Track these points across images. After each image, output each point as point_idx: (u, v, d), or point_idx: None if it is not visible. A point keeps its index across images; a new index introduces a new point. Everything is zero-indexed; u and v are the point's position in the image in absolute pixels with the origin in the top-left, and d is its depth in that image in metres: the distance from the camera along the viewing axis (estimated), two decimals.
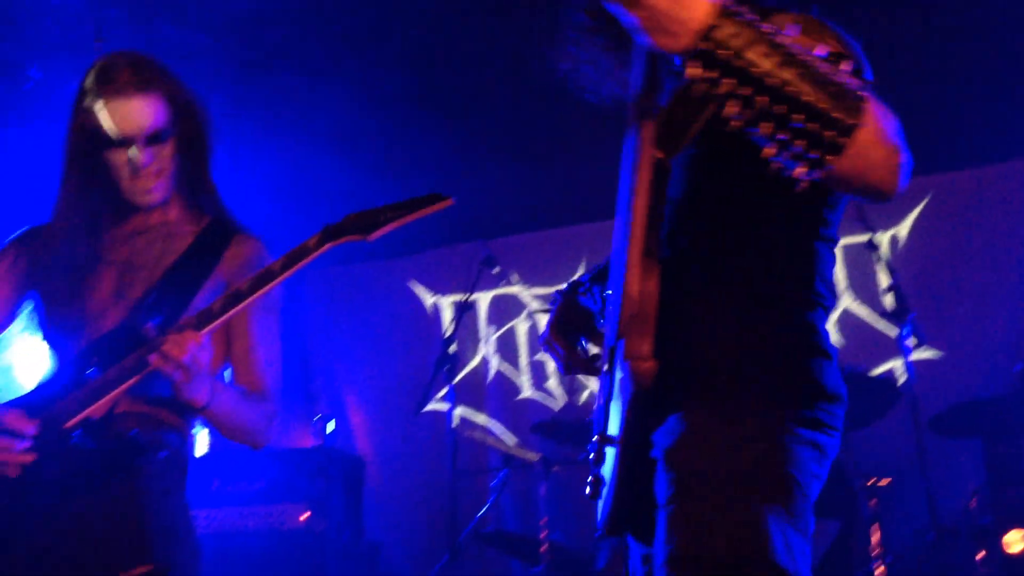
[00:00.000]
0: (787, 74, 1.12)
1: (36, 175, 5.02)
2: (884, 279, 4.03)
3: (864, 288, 5.45)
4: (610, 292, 1.68)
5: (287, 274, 1.92)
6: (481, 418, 6.21)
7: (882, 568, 3.69)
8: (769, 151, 1.16)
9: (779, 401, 1.53)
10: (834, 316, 5.50)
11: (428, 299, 6.53)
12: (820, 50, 1.17)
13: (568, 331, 1.87)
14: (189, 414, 2.13)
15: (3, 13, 4.00)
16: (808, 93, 1.12)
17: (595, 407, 1.82)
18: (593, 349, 1.84)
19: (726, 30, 1.13)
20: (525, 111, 4.96)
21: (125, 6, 3.99)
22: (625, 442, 1.59)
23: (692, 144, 1.50)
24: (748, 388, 1.54)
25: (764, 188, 1.52)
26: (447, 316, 6.40)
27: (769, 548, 1.40)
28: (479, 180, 5.63)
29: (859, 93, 1.14)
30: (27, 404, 1.96)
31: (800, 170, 1.14)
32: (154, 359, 1.83)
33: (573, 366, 1.87)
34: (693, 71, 1.13)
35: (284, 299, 2.25)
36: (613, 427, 1.63)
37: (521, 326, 6.26)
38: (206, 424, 2.12)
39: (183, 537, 2.00)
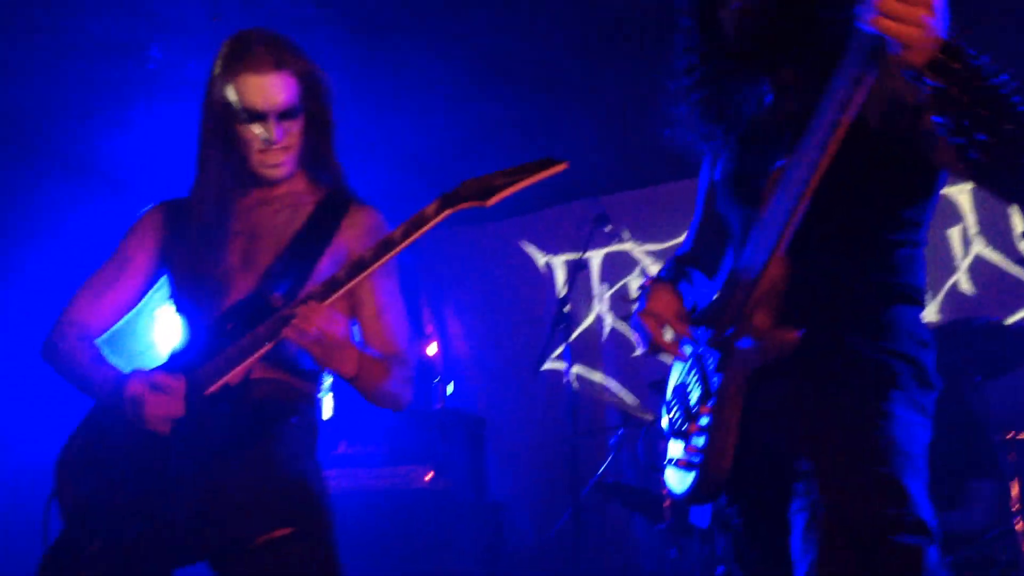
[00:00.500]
0: (994, 85, 1.37)
1: (160, 153, 5.24)
2: (1019, 223, 3.83)
3: (997, 233, 5.19)
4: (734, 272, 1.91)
5: (408, 242, 1.96)
6: (597, 376, 6.21)
7: (1021, 524, 3.55)
8: (965, 156, 1.42)
9: (899, 384, 1.74)
10: (965, 263, 5.27)
11: (540, 259, 6.53)
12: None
13: (659, 314, 1.93)
14: (316, 379, 2.20)
15: None
16: (1014, 101, 1.38)
17: (677, 384, 2.03)
18: (668, 334, 1.92)
19: (952, 49, 1.41)
20: (635, 66, 4.87)
21: None
22: (737, 413, 1.79)
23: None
24: (872, 369, 1.74)
25: (880, 191, 1.80)
26: (560, 275, 6.40)
27: (915, 504, 1.60)
28: (589, 137, 5.58)
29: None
30: (167, 372, 2.04)
31: (1000, 174, 1.43)
32: (289, 333, 1.91)
33: (659, 347, 1.94)
34: (930, 79, 1.40)
35: (401, 264, 2.29)
36: (706, 401, 1.86)
37: (634, 283, 6.22)
38: (333, 387, 2.17)
39: (319, 499, 2.05)
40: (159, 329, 4.62)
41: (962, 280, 5.28)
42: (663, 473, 2.04)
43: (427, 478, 4.23)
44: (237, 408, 2.02)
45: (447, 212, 1.97)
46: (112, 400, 2.01)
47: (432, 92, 5.07)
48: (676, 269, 2.12)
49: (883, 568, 1.54)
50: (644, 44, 4.44)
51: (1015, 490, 3.62)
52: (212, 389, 1.98)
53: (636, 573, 5.52)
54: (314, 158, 2.26)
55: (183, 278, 2.18)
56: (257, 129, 2.13)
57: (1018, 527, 3.55)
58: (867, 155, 1.75)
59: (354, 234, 2.21)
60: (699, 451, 1.84)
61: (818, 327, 1.74)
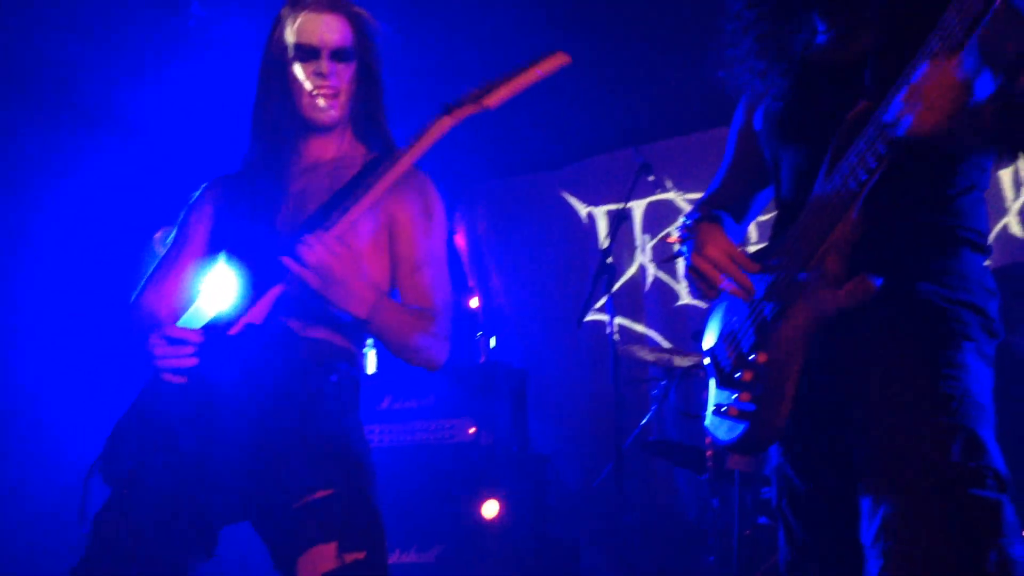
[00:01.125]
0: None
1: (195, 111, 5.26)
2: None
3: None
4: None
5: (415, 154, 1.99)
6: (640, 327, 6.20)
7: None
8: None
9: (970, 334, 1.70)
10: (1016, 205, 5.16)
11: (582, 209, 6.50)
12: None
13: (715, 258, 1.88)
14: (358, 335, 2.19)
15: None
16: None
17: (725, 329, 1.98)
18: (726, 279, 1.87)
19: None
20: (676, 10, 4.79)
21: None
22: (799, 362, 1.75)
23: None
24: (943, 318, 1.70)
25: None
26: (602, 226, 6.37)
27: (994, 457, 1.59)
28: (629, 84, 5.50)
29: None
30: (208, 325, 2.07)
31: None
32: (288, 262, 1.91)
33: (719, 290, 1.90)
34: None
35: (447, 223, 2.28)
36: (764, 348, 1.81)
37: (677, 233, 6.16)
38: (376, 343, 2.17)
39: (360, 459, 2.04)
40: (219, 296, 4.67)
41: (1012, 223, 5.17)
42: (703, 420, 2.00)
43: (471, 431, 4.27)
44: (277, 369, 2.03)
45: (448, 120, 2.00)
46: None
47: (471, 40, 5.02)
48: (707, 212, 2.06)
49: (966, 522, 1.52)
50: None
51: None
52: (234, 330, 1.98)
53: (679, 522, 5.55)
54: (365, 115, 2.28)
55: (237, 244, 2.16)
56: (311, 67, 2.17)
57: None
58: None
59: (399, 194, 2.18)
60: (755, 399, 1.80)
61: (889, 274, 1.69)
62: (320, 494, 1.92)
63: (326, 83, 2.17)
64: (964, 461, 1.56)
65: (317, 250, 1.89)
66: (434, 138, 2.00)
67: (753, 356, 1.84)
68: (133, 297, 2.26)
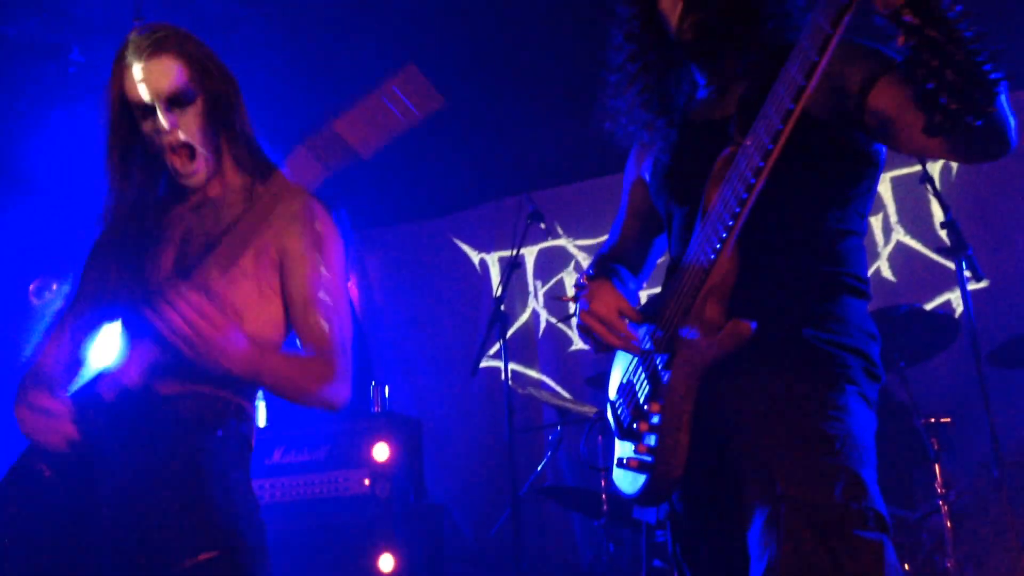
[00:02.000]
0: (962, 28, 1.35)
1: (80, 157, 5.10)
2: (938, 211, 3.94)
3: (917, 220, 5.34)
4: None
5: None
6: (533, 373, 6.24)
7: (946, 507, 3.65)
8: (934, 101, 1.39)
9: (852, 377, 1.74)
10: (887, 250, 5.41)
11: (475, 256, 6.53)
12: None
13: (602, 315, 1.91)
14: (248, 388, 2.10)
15: None
16: (978, 50, 1.35)
17: (623, 382, 2.00)
18: (614, 334, 1.89)
19: None
20: (565, 61, 4.90)
21: None
22: (689, 410, 1.77)
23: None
24: (825, 362, 1.73)
25: (825, 182, 1.80)
26: (494, 272, 6.41)
27: (875, 498, 1.61)
28: (518, 132, 5.59)
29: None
30: (103, 376, 1.99)
31: (968, 118, 1.39)
32: (155, 321, 1.80)
33: (608, 345, 1.92)
34: (910, 20, 1.37)
35: (343, 253, 2.16)
36: (656, 398, 1.83)
37: (568, 278, 6.25)
38: (265, 393, 2.10)
39: (247, 517, 1.94)
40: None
41: (883, 267, 5.42)
42: (610, 473, 1.99)
43: (366, 483, 4.20)
44: (157, 427, 1.94)
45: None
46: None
47: (363, 85, 5.02)
48: (603, 266, 2.09)
49: (849, 563, 1.53)
50: (575, 39, 4.46)
51: (938, 474, 3.72)
52: (110, 395, 1.94)
53: (575, 569, 5.56)
54: (231, 147, 2.11)
55: (120, 291, 2.06)
56: (149, 124, 2.01)
57: (943, 509, 3.66)
58: (813, 145, 1.75)
59: (283, 223, 2.07)
60: (650, 451, 1.81)
61: (771, 319, 1.73)
62: (203, 556, 1.85)
63: (171, 135, 2.00)
64: (847, 502, 1.57)
65: (180, 309, 1.77)
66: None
67: (647, 407, 1.86)
68: (29, 353, 2.13)
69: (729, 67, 1.92)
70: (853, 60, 1.70)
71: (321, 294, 2.07)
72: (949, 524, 3.63)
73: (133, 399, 1.94)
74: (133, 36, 2.05)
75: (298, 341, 2.11)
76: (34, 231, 5.01)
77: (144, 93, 1.99)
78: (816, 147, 1.77)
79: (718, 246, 1.71)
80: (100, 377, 2.03)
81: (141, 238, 2.08)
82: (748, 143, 1.63)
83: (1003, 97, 1.44)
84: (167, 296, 1.79)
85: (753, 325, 1.68)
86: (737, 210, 1.66)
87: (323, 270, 2.09)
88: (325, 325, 2.06)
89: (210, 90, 2.05)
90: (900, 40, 1.38)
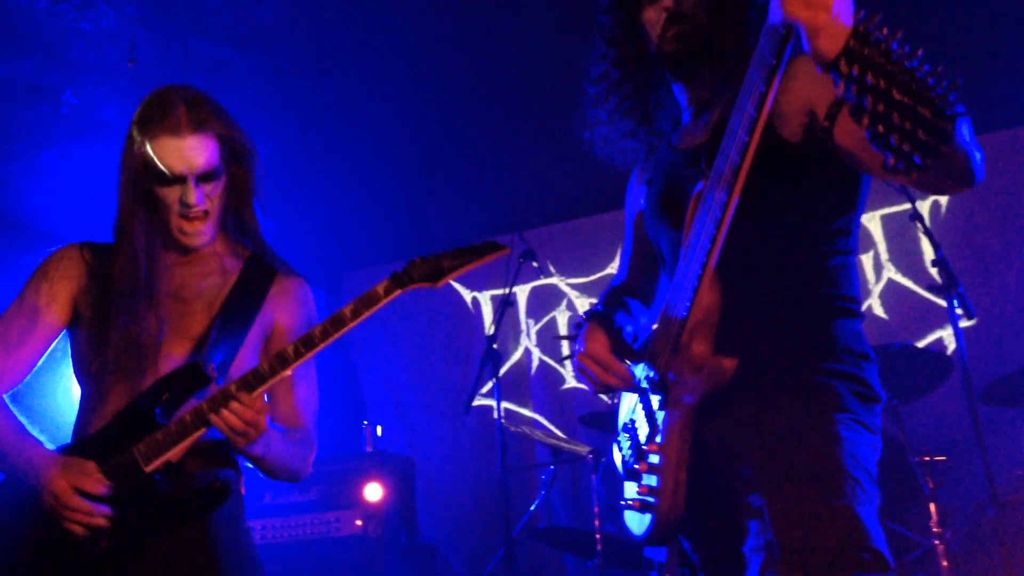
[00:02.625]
0: (909, 68, 1.29)
1: (74, 198, 5.12)
2: (928, 249, 3.96)
3: (908, 257, 5.37)
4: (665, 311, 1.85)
5: (357, 320, 1.97)
6: (526, 412, 6.22)
7: (942, 546, 3.64)
8: (885, 143, 1.32)
9: (843, 405, 1.70)
10: (879, 287, 5.43)
11: (467, 295, 6.53)
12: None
13: (597, 355, 1.91)
14: None
15: (38, 38, 4.04)
16: (927, 88, 1.29)
17: (625, 422, 1.99)
18: (610, 375, 1.89)
19: (862, 35, 1.33)
20: (558, 99, 4.93)
21: (156, 25, 4.01)
22: (686, 449, 1.75)
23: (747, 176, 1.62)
24: (814, 392, 1.70)
25: (807, 204, 1.78)
26: (487, 311, 6.41)
27: (870, 536, 1.57)
28: (511, 170, 5.61)
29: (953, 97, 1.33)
30: (95, 444, 1.96)
31: (917, 158, 1.31)
32: (218, 422, 1.89)
33: (604, 386, 1.92)
34: (843, 68, 1.32)
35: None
36: (654, 438, 1.81)
37: (561, 316, 6.25)
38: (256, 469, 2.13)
39: (253, 560, 2.04)
40: (64, 387, 4.44)
41: (875, 305, 5.43)
42: (621, 514, 1.98)
43: (358, 524, 4.16)
44: (178, 483, 1.96)
45: (398, 292, 2.00)
46: (27, 478, 1.92)
47: (352, 129, 5.06)
48: (613, 299, 2.09)
49: None
50: (570, 78, 4.50)
51: (934, 512, 3.71)
52: (152, 467, 1.93)
53: None
54: (236, 221, 2.21)
55: (99, 334, 2.05)
56: (176, 193, 2.06)
57: (939, 549, 3.64)
58: (790, 169, 1.74)
59: (283, 304, 2.20)
60: (652, 491, 1.80)
61: (756, 352, 1.72)
62: None
63: (195, 209, 2.07)
64: (842, 545, 1.55)
65: (247, 416, 1.89)
66: (380, 307, 2.00)
67: (646, 447, 1.85)
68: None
69: (708, 84, 1.90)
70: (821, 82, 1.60)
71: (303, 372, 2.18)
72: (945, 563, 3.61)
73: (171, 474, 1.97)
74: (164, 99, 2.06)
75: (272, 412, 2.14)
76: (26, 272, 5.00)
77: (179, 164, 2.03)
78: (796, 171, 1.75)
79: (695, 284, 1.69)
80: (95, 430, 2.01)
81: (131, 289, 2.06)
82: (713, 177, 1.62)
83: (963, 131, 1.39)
84: (233, 406, 1.89)
85: (735, 361, 1.67)
86: (708, 246, 1.65)
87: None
88: (304, 403, 2.19)
89: (236, 171, 2.15)
90: (839, 88, 1.34)
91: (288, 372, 1.95)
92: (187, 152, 2.03)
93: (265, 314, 2.16)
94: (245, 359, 2.10)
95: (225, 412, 1.88)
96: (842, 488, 1.59)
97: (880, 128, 1.30)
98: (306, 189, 5.47)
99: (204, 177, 2.07)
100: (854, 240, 1.86)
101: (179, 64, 4.06)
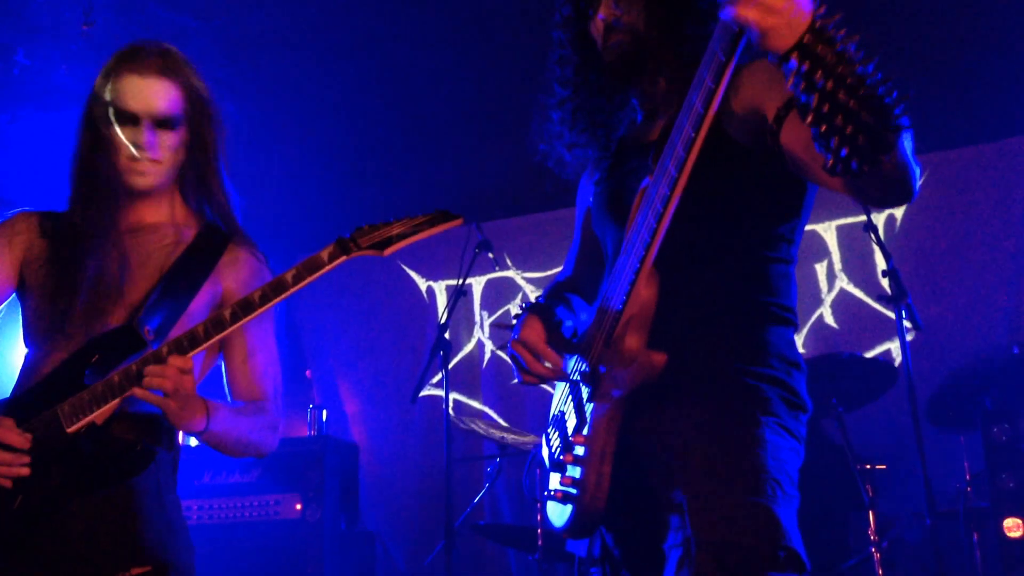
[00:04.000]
0: (860, 74, 1.28)
1: (24, 162, 4.99)
2: (881, 261, 4.00)
3: (860, 269, 5.43)
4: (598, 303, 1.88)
5: (299, 286, 1.91)
6: (476, 404, 6.19)
7: (878, 554, 3.68)
8: (826, 144, 1.32)
9: (769, 409, 1.71)
10: (830, 297, 5.48)
11: (422, 284, 6.49)
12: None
13: (531, 343, 1.91)
14: None
15: None
16: (874, 96, 1.28)
17: (555, 414, 2.01)
18: (542, 363, 1.90)
19: (818, 32, 1.32)
20: (520, 91, 4.91)
21: None
22: (612, 442, 1.76)
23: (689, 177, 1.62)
24: (742, 394, 1.71)
25: (750, 208, 1.79)
26: (441, 301, 6.37)
27: (787, 535, 1.57)
28: (470, 161, 5.58)
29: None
30: (21, 403, 1.92)
31: (854, 163, 1.31)
32: (137, 392, 1.83)
33: (534, 374, 1.92)
34: (794, 63, 1.32)
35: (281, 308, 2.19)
36: (581, 430, 1.82)
37: (515, 310, 6.22)
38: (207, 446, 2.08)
39: (178, 534, 1.97)
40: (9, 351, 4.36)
41: (827, 314, 5.48)
42: (544, 505, 1.99)
43: (298, 507, 4.11)
44: (99, 447, 1.91)
45: (343, 259, 1.92)
46: None
47: (309, 106, 5.01)
48: (555, 294, 2.10)
49: None
50: (530, 71, 4.47)
51: (872, 520, 3.75)
52: (75, 428, 1.87)
53: None
54: (197, 183, 2.14)
55: (44, 299, 2.02)
56: (130, 135, 2.02)
57: (875, 557, 3.68)
58: (735, 171, 1.75)
59: (233, 273, 2.13)
60: (575, 483, 1.80)
61: (688, 349, 1.72)
62: (136, 571, 1.86)
63: (144, 154, 2.03)
64: (758, 543, 1.56)
65: (168, 379, 1.81)
66: (324, 272, 1.93)
67: (572, 439, 1.85)
68: None
69: (657, 90, 1.93)
70: (771, 86, 1.64)
71: (261, 343, 2.13)
72: (880, 572, 3.64)
73: (93, 435, 1.90)
74: (138, 47, 2.07)
75: (229, 386, 2.14)
76: None
77: (136, 103, 2.01)
78: (741, 172, 1.76)
79: (632, 277, 1.70)
80: (27, 388, 1.97)
81: (80, 243, 2.03)
82: (658, 173, 1.63)
83: (905, 144, 1.38)
84: (154, 368, 1.81)
85: (665, 356, 1.68)
86: (648, 240, 1.65)
87: (263, 321, 2.13)
88: (263, 374, 2.13)
89: (196, 126, 2.09)
90: (789, 82, 1.33)
91: (224, 335, 1.88)
92: (147, 92, 2.01)
93: (215, 282, 2.10)
94: (188, 326, 2.02)
95: (149, 371, 1.81)
96: (762, 488, 1.60)
97: (823, 128, 1.30)
98: (261, 166, 5.39)
99: (161, 123, 2.03)
100: (795, 250, 1.87)
101: (137, 30, 3.97)
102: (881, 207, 1.59)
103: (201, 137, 2.10)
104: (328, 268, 1.91)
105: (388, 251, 1.92)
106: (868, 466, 3.93)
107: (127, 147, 2.03)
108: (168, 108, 2.02)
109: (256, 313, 1.89)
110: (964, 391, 4.43)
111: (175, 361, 1.82)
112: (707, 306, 1.78)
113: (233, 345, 2.12)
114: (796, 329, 1.84)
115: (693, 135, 1.50)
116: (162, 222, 2.14)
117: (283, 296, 1.89)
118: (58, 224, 2.11)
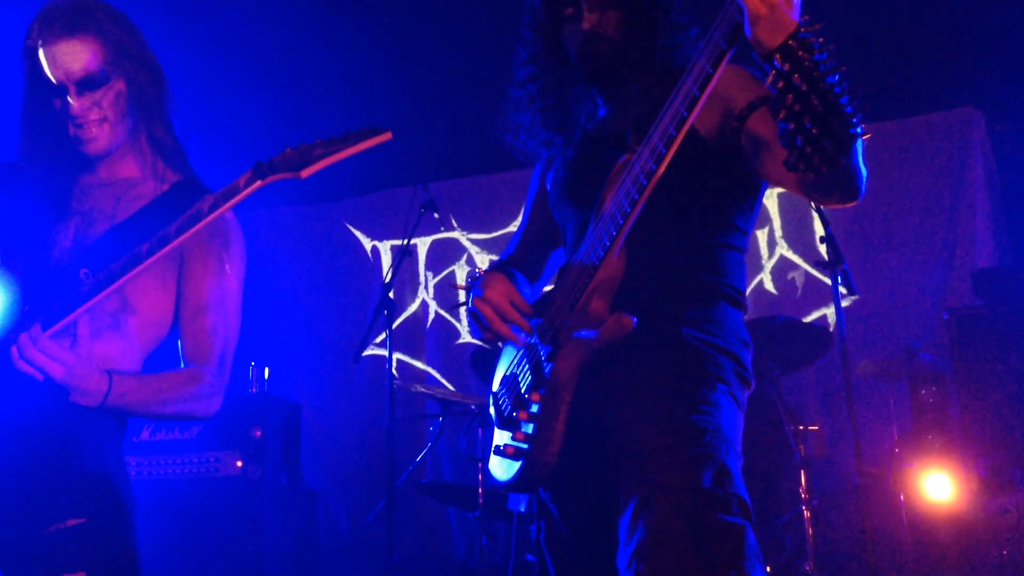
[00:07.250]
0: (830, 82, 1.42)
1: None
2: (819, 228, 4.09)
3: (800, 235, 5.52)
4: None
5: (214, 215, 1.84)
6: (419, 364, 6.21)
7: (808, 512, 3.79)
8: (792, 141, 1.45)
9: (724, 378, 1.83)
10: (771, 263, 5.58)
11: (367, 243, 6.46)
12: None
13: (496, 302, 1.95)
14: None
15: None
16: (840, 104, 1.42)
17: (506, 374, 2.06)
18: (503, 322, 1.94)
19: (801, 39, 1.44)
20: (469, 52, 4.88)
21: None
22: (568, 400, 1.84)
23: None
24: (700, 359, 1.82)
25: (708, 198, 1.92)
26: (386, 261, 6.35)
27: (740, 486, 1.71)
28: (418, 121, 5.55)
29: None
30: None
31: (816, 161, 1.44)
32: (17, 364, 1.79)
33: (496, 332, 1.95)
34: (776, 62, 1.44)
35: (243, 269, 2.12)
36: (538, 388, 1.89)
37: (460, 271, 6.24)
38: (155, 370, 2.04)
39: (117, 488, 1.93)
40: None
41: (766, 280, 5.59)
42: (486, 462, 2.04)
43: (238, 465, 4.11)
44: (35, 395, 1.88)
45: (259, 183, 1.85)
46: None
47: (256, 61, 4.93)
48: (501, 269, 2.14)
49: (712, 545, 1.63)
50: (482, 33, 4.46)
51: (803, 479, 3.86)
52: None
53: (449, 560, 5.56)
54: (149, 136, 2.09)
55: (8, 252, 2.00)
56: (60, 102, 1.97)
57: (806, 515, 3.79)
58: (702, 161, 1.86)
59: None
60: (528, 438, 1.87)
61: (652, 317, 1.82)
62: (71, 522, 1.83)
63: (80, 118, 1.98)
64: (714, 488, 1.67)
65: (32, 355, 1.77)
66: (243, 198, 1.85)
67: (527, 396, 1.92)
68: None
69: (625, 91, 2.03)
70: (744, 86, 1.81)
71: (214, 301, 2.06)
72: (811, 530, 3.76)
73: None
74: (50, 8, 1.99)
75: (180, 344, 2.09)
76: None
77: (57, 71, 1.95)
78: (703, 164, 1.87)
79: (607, 244, 1.78)
80: None
81: (42, 197, 2.01)
82: (643, 148, 1.71)
83: (859, 149, 1.52)
84: (20, 341, 1.78)
85: (635, 319, 1.76)
86: (628, 210, 1.74)
87: (221, 280, 2.08)
88: (211, 333, 2.05)
89: (134, 77, 2.02)
90: (769, 79, 1.46)
91: (138, 272, 1.83)
92: (61, 58, 1.95)
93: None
94: (143, 281, 2.00)
95: (13, 347, 1.78)
96: (718, 444, 1.73)
97: (791, 126, 1.43)
98: (205, 120, 5.30)
99: (85, 83, 1.97)
100: (747, 241, 2.00)
101: None
102: (829, 204, 1.72)
103: (140, 86, 2.04)
104: (245, 194, 1.85)
105: (306, 172, 1.85)
106: (801, 427, 4.05)
107: (67, 116, 1.99)
108: (87, 66, 1.96)
109: (171, 245, 1.84)
110: (894, 355, 4.57)
111: (34, 336, 1.78)
112: (668, 281, 1.89)
113: (186, 298, 2.07)
114: (745, 313, 1.97)
115: (685, 114, 1.60)
116: (136, 176, 2.10)
117: (199, 226, 1.84)
118: (20, 174, 2.08)
